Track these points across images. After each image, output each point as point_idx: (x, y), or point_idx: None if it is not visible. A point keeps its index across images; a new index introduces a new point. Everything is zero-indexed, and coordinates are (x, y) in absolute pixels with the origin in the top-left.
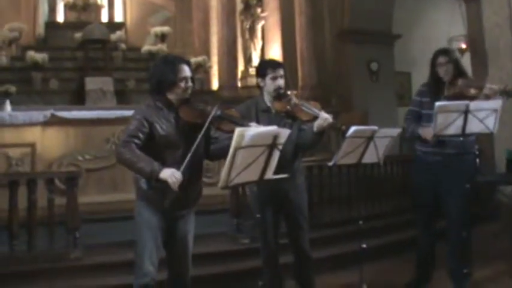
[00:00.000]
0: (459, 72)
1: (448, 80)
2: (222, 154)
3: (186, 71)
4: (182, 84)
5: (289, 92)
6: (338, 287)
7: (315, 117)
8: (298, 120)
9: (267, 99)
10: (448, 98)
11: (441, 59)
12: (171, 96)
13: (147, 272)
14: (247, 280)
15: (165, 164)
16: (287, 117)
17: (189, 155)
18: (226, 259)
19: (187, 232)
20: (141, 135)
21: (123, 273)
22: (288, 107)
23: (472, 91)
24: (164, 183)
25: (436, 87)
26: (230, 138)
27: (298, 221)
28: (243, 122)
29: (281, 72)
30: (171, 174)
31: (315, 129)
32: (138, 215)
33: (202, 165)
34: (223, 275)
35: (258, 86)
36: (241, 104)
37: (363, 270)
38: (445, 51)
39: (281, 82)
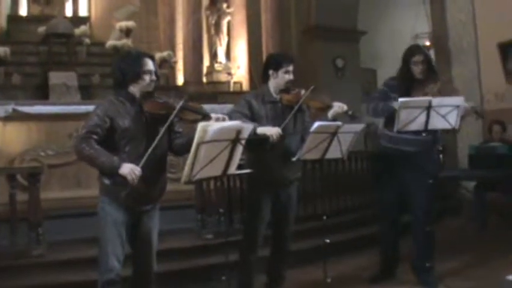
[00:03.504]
0: (430, 71)
1: (420, 79)
2: (186, 148)
3: (150, 64)
4: (147, 77)
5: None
6: (303, 282)
7: (328, 107)
8: (303, 113)
9: (273, 91)
10: None
11: (418, 57)
12: (134, 90)
13: (112, 267)
14: (211, 275)
15: (129, 158)
16: (292, 110)
17: (150, 149)
18: (190, 255)
19: (151, 228)
20: (100, 131)
21: (87, 270)
22: (300, 98)
23: None
24: (123, 178)
25: (406, 85)
26: (193, 132)
27: (290, 213)
28: (206, 112)
29: (292, 67)
30: (130, 171)
31: (330, 116)
32: (101, 210)
33: (166, 159)
34: (187, 270)
35: (264, 78)
36: (246, 94)
37: (327, 265)
38: (420, 49)
39: (292, 76)
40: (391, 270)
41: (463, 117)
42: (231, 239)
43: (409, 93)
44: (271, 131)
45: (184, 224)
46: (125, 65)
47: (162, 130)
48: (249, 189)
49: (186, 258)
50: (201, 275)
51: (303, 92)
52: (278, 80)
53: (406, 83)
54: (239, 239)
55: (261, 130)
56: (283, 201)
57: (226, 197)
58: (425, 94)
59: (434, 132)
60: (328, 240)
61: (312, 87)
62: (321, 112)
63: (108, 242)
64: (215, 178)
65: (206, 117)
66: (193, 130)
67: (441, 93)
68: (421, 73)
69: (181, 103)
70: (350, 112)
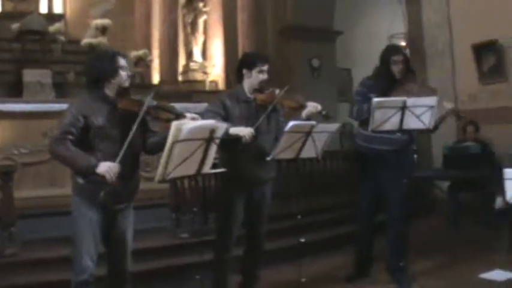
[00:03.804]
0: (408, 71)
1: (399, 79)
2: (159, 146)
3: (123, 62)
4: (123, 73)
5: None
6: (277, 281)
7: (301, 106)
8: (277, 112)
9: (248, 91)
10: None
11: (397, 57)
12: (109, 88)
13: (86, 268)
14: (186, 274)
15: (104, 157)
16: (266, 109)
17: (125, 145)
18: (165, 254)
19: (126, 228)
20: (74, 130)
21: (61, 269)
22: (274, 98)
23: None
24: (101, 177)
25: (385, 85)
26: (167, 131)
27: (264, 212)
28: (179, 111)
29: (267, 67)
30: (108, 169)
31: (304, 116)
32: (75, 210)
33: (139, 157)
34: (162, 269)
35: (238, 77)
36: (221, 93)
37: (301, 264)
38: (399, 48)
39: (266, 76)
40: (366, 269)
41: (442, 118)
42: (205, 238)
43: (388, 92)
44: (244, 131)
45: (158, 223)
46: (100, 63)
47: (135, 125)
48: (223, 189)
49: (161, 257)
50: (175, 274)
51: (277, 91)
52: (252, 79)
53: (385, 82)
54: (214, 238)
55: (234, 130)
56: (256, 200)
57: (201, 196)
58: (408, 93)
59: (410, 132)
60: (303, 240)
61: (286, 87)
62: (295, 112)
63: (82, 242)
64: (189, 177)
65: (180, 116)
66: (168, 129)
67: (420, 93)
68: (400, 72)
69: (149, 99)
70: (324, 112)
